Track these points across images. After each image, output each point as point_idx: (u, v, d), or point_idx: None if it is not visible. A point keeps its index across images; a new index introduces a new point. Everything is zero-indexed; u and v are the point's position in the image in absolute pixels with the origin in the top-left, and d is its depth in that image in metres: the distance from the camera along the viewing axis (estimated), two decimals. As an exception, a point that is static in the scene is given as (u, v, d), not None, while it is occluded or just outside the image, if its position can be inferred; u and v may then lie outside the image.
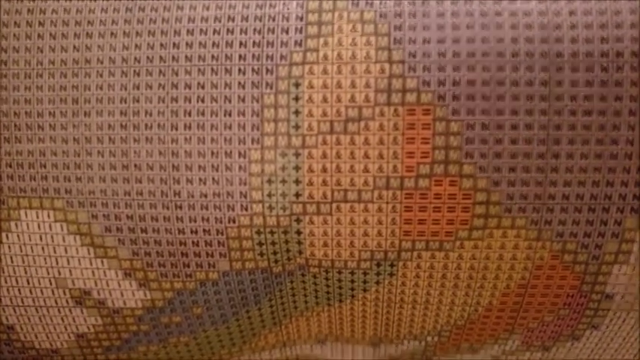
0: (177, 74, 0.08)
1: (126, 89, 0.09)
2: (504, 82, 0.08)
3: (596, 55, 0.08)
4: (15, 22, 0.09)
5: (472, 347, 0.10)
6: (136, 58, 0.09)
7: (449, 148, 0.08)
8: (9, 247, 0.09)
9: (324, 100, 0.08)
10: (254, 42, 0.08)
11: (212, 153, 0.08)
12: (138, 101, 0.09)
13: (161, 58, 0.08)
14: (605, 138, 0.08)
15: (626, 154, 0.08)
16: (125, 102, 0.09)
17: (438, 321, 0.10)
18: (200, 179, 0.08)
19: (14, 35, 0.09)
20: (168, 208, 0.09)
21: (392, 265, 0.09)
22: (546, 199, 0.08)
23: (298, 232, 0.09)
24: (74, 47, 0.09)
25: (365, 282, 0.09)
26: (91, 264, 0.09)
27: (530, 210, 0.08)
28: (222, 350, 0.11)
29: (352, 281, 0.09)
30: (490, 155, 0.08)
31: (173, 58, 0.08)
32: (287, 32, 0.08)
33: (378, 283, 0.09)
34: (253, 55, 0.08)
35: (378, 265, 0.09)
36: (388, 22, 0.08)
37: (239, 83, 0.08)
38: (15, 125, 0.09)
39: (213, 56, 0.08)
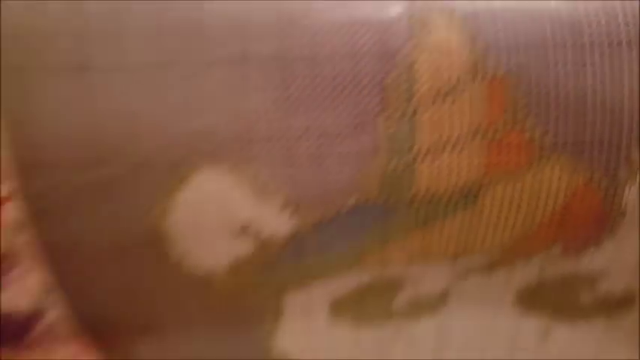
0: None
1: None
2: (548, 61, 0.12)
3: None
4: None
5: (527, 255, 0.14)
6: None
7: (517, 109, 0.12)
8: (184, 198, 0.13)
9: (430, 78, 0.12)
10: (377, 39, 0.12)
11: (351, 123, 0.12)
12: None
13: None
14: (615, 91, 0.12)
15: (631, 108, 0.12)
16: None
17: (504, 237, 0.13)
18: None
19: None
20: (315, 167, 0.12)
21: (475, 196, 0.13)
22: (579, 143, 0.12)
23: (411, 173, 0.12)
24: None
25: (455, 209, 0.13)
26: (253, 205, 0.13)
27: (570, 150, 0.12)
28: (337, 268, 0.14)
29: (446, 207, 0.13)
30: (543, 112, 0.12)
31: None
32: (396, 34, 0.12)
33: (464, 209, 0.13)
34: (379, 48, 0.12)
35: (466, 195, 0.12)
36: (471, 21, 0.12)
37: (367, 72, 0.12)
38: None
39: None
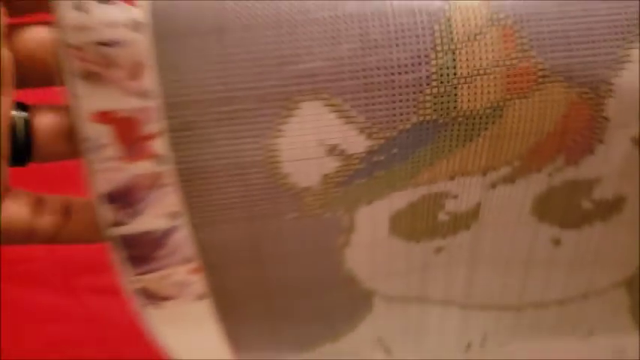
0: None
1: None
2: (541, 12, 0.17)
3: None
4: None
5: (539, 166, 0.19)
6: None
7: (523, 46, 0.17)
8: (291, 126, 0.17)
9: (462, 26, 0.17)
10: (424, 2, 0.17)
11: (412, 59, 0.17)
12: None
13: None
14: (589, 30, 0.17)
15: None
16: None
17: (522, 147, 0.18)
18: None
19: None
20: (385, 95, 0.17)
21: (501, 110, 0.17)
22: (569, 68, 0.17)
23: (455, 96, 0.17)
24: None
25: (487, 122, 0.17)
26: (340, 129, 0.17)
27: (564, 73, 0.17)
28: (396, 185, 0.19)
29: (480, 122, 0.17)
30: (542, 47, 0.17)
31: None
32: None
33: (493, 123, 0.17)
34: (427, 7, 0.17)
35: (494, 110, 0.17)
36: None
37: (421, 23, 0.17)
38: None
39: None
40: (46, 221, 0.18)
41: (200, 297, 0.21)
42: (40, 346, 0.52)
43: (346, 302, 0.22)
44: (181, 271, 0.20)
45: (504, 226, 0.21)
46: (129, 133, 0.17)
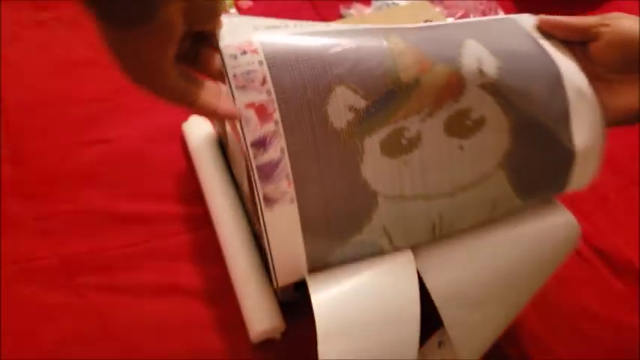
0: None
1: None
2: (436, 53, 0.40)
3: None
4: None
5: (441, 105, 0.40)
6: None
7: (423, 54, 0.39)
8: (334, 100, 0.38)
9: (397, 48, 0.39)
10: (381, 54, 0.39)
11: (380, 67, 0.39)
12: None
13: None
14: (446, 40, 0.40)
15: None
16: None
17: (432, 97, 0.40)
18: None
19: None
20: (372, 78, 0.38)
21: (419, 80, 0.39)
22: (445, 58, 0.40)
23: (399, 76, 0.39)
24: None
25: (414, 87, 0.39)
26: (353, 97, 0.38)
27: (442, 60, 0.40)
28: (382, 123, 0.40)
29: (412, 88, 0.39)
30: (431, 52, 0.40)
31: None
32: None
33: (416, 87, 0.39)
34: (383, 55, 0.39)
35: (416, 81, 0.39)
36: (414, 43, 0.40)
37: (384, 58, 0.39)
38: None
39: None
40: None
41: (292, 200, 0.40)
42: (45, 345, 0.52)
43: (364, 201, 0.42)
44: (284, 184, 0.39)
45: (433, 143, 0.42)
46: (262, 112, 0.37)
